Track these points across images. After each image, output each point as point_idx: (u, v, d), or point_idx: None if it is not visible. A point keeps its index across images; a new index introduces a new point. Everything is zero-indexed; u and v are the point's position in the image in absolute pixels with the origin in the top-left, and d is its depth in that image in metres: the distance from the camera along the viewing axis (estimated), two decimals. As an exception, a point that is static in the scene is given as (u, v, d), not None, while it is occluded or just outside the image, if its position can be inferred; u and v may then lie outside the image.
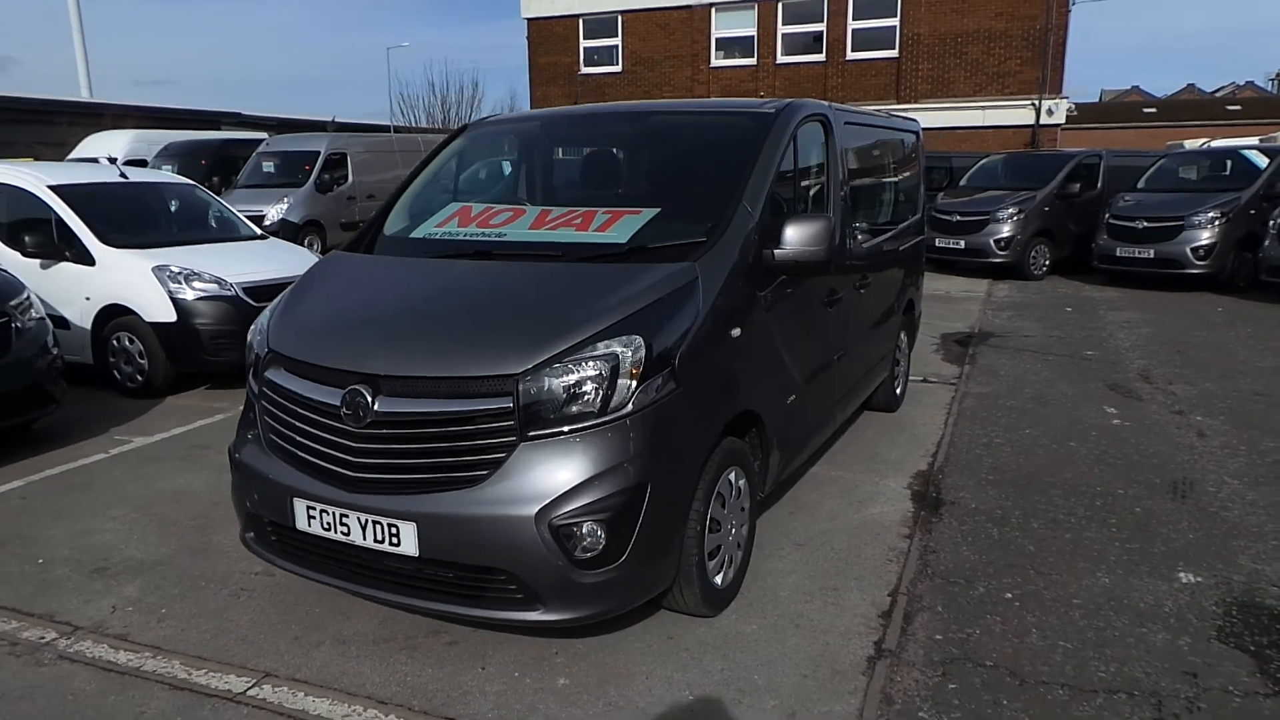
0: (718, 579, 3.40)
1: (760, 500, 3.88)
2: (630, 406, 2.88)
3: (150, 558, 4.09)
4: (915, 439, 5.67)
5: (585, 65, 24.27)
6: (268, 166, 16.63)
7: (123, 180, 7.82)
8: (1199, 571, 3.78)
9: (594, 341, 2.89)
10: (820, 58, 22.04)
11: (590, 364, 2.86)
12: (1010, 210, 13.38)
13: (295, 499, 3.09)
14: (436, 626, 3.38)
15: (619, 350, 2.89)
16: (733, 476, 3.45)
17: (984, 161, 15.42)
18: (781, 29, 22.19)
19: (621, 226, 3.56)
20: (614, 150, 4.42)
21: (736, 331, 3.33)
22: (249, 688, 3.05)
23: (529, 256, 3.53)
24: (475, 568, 2.88)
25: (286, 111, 36.05)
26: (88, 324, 6.94)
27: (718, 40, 22.93)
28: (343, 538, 3.01)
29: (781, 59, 22.39)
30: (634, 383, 2.89)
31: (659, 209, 3.68)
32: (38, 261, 7.03)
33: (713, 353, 3.21)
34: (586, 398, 2.85)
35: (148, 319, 6.69)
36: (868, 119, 5.32)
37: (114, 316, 6.87)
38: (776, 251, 3.52)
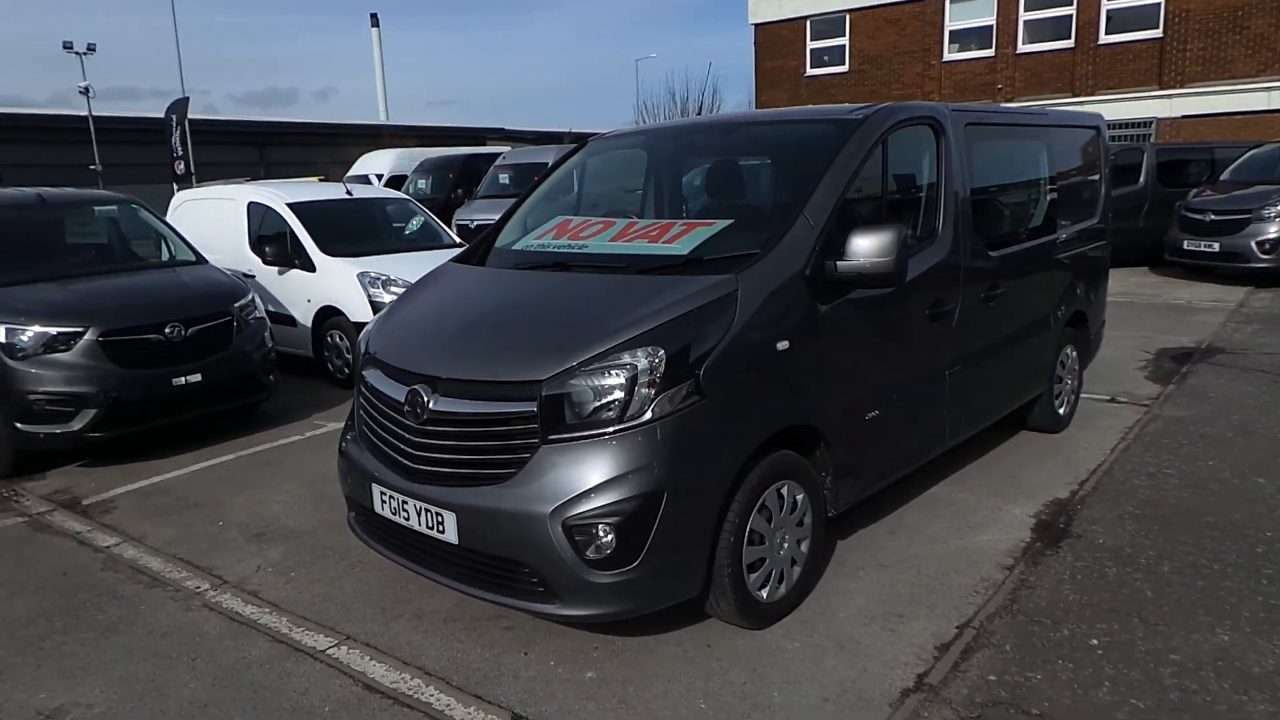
0: (762, 592, 3.38)
1: (833, 517, 3.78)
2: (649, 415, 2.96)
3: (300, 527, 4.72)
4: (1067, 464, 5.17)
5: (811, 67, 23.95)
6: (503, 178, 18.01)
7: (347, 197, 8.93)
8: (1354, 640, 3.20)
9: (616, 352, 3.01)
10: (1068, 44, 20.19)
11: (609, 373, 2.98)
12: None
13: (374, 485, 3.48)
14: (500, 611, 3.64)
15: (638, 361, 2.98)
16: (784, 490, 3.41)
17: (1254, 151, 13.42)
18: (1024, 15, 20.59)
19: (690, 238, 3.63)
20: (705, 162, 4.47)
21: (784, 344, 3.29)
22: (330, 647, 3.48)
23: (600, 268, 3.69)
24: (504, 559, 3.10)
25: (545, 125, 38.70)
26: (309, 322, 8.01)
27: (952, 32, 21.73)
28: (404, 522, 3.35)
29: (1023, 48, 20.78)
30: (652, 392, 2.97)
31: (732, 220, 3.71)
32: (276, 269, 8.23)
33: (750, 365, 3.20)
34: (605, 405, 2.97)
35: (352, 319, 7.61)
36: (1009, 117, 4.95)
37: (329, 316, 7.89)
38: (840, 264, 3.42)
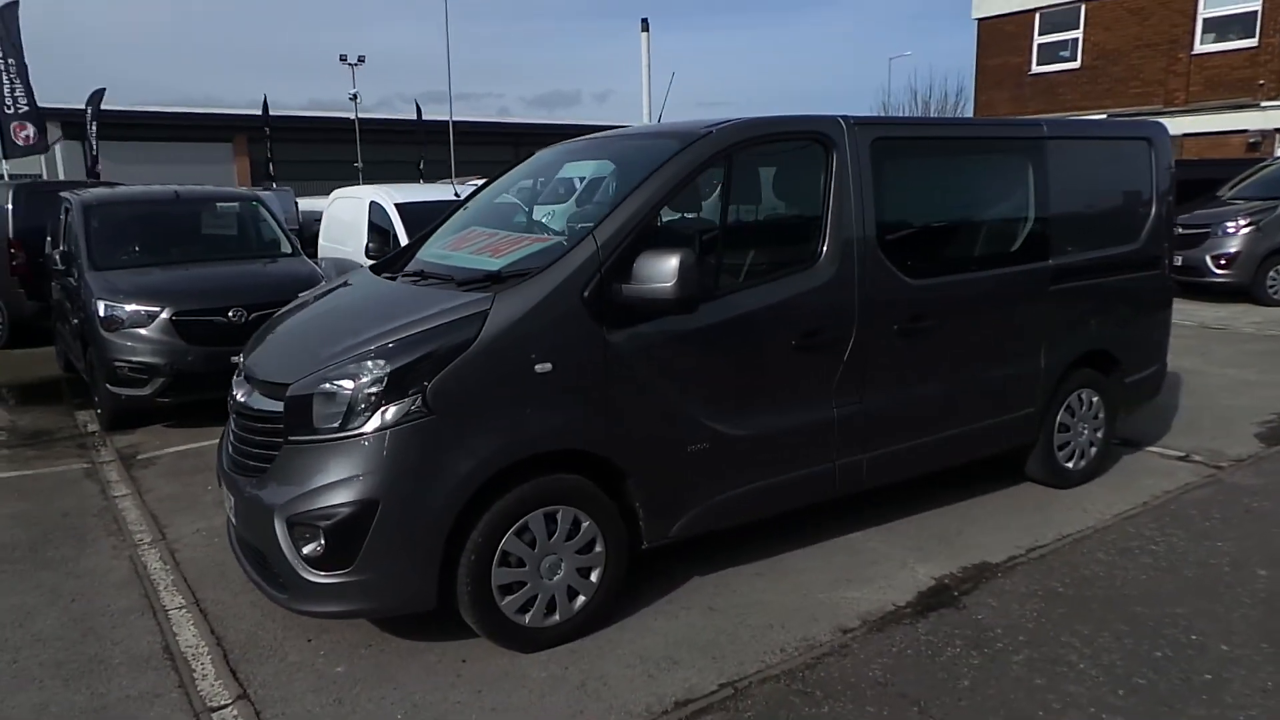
0: (523, 617, 3.33)
1: (646, 549, 3.62)
2: (370, 426, 3.04)
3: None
4: (1039, 525, 4.50)
5: (1037, 64, 21.90)
6: None
7: (454, 199, 9.56)
8: (1157, 781, 2.59)
9: (349, 363, 3.12)
10: (1356, 30, 16.92)
11: (337, 382, 3.10)
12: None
13: (219, 472, 3.83)
14: (326, 598, 3.86)
15: (363, 372, 3.07)
16: (559, 515, 3.33)
17: (1268, 169, 12.73)
18: (1300, -3, 17.53)
19: (514, 253, 3.63)
20: (579, 178, 4.38)
21: (546, 367, 3.21)
22: (176, 609, 3.87)
23: (437, 279, 3.78)
24: (257, 547, 3.31)
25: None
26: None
27: (1206, 21, 18.94)
28: (223, 504, 3.67)
29: (1295, 36, 17.69)
30: (374, 404, 3.04)
31: (561, 237, 3.67)
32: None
33: (494, 386, 3.14)
34: (330, 412, 3.09)
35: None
36: (956, 130, 4.38)
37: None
38: (625, 287, 3.28)
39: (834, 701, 3.03)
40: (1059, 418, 4.85)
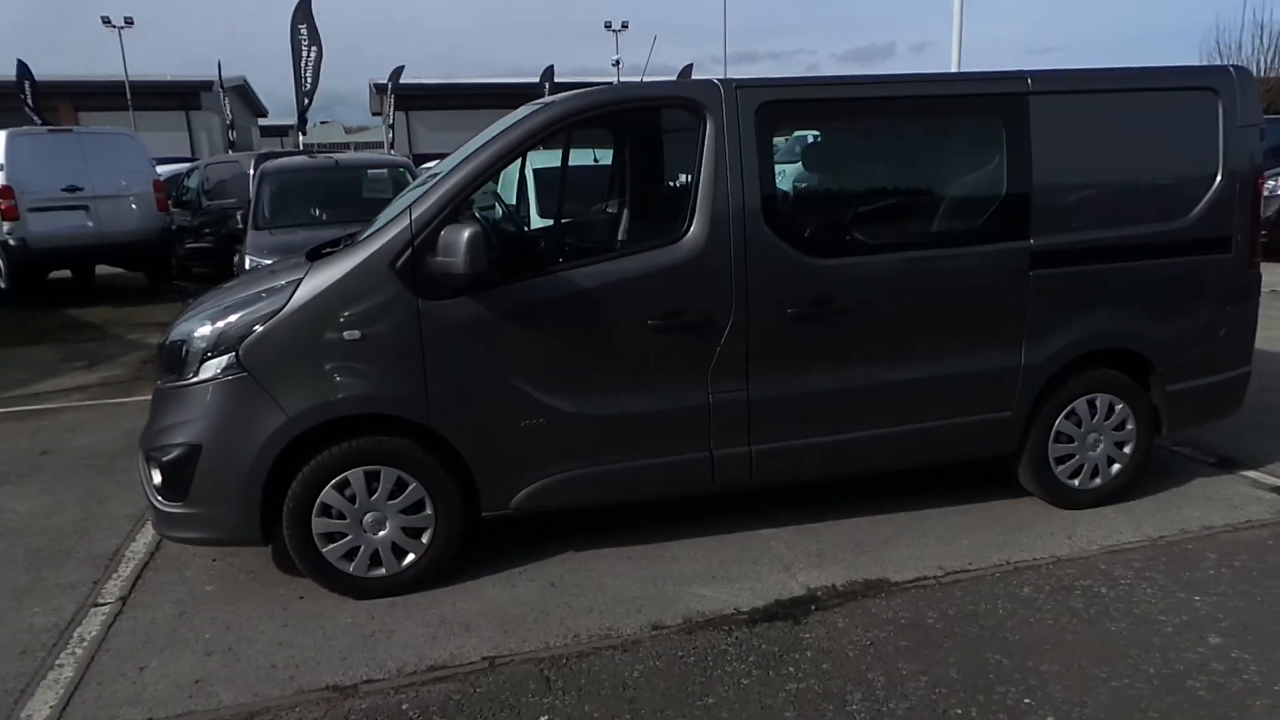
0: (349, 565, 3.56)
1: (486, 516, 3.69)
2: (195, 378, 3.42)
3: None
4: (987, 548, 3.90)
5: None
6: None
7: (592, 164, 9.83)
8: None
9: (195, 320, 3.51)
10: None
11: (180, 337, 3.51)
12: None
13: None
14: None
15: (199, 328, 3.45)
16: (382, 475, 3.51)
17: None
18: None
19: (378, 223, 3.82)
20: None
21: (355, 334, 3.36)
22: (156, 519, 4.59)
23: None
24: (149, 474, 3.86)
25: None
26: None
27: None
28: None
29: None
30: (200, 358, 3.41)
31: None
32: (520, 225, 9.57)
33: (301, 350, 3.35)
34: (173, 364, 3.51)
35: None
36: (899, 89, 3.73)
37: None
38: (432, 260, 3.34)
39: (564, 694, 2.95)
40: (1056, 425, 4.12)
